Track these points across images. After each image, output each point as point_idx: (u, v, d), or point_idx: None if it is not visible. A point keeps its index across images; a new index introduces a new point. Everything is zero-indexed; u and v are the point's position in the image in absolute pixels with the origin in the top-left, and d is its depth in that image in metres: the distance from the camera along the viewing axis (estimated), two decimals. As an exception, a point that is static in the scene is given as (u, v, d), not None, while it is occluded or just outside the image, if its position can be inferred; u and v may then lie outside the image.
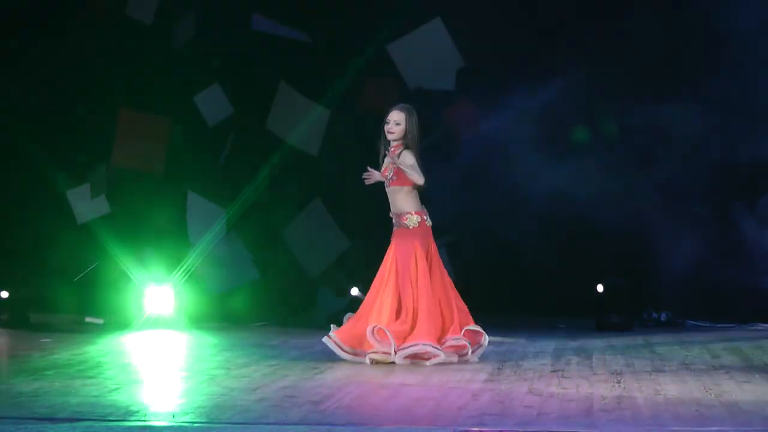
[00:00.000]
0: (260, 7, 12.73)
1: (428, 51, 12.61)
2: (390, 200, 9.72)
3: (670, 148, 12.52)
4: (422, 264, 9.58)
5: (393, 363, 9.30)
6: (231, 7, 12.81)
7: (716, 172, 12.45)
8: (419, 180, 9.52)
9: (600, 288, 12.46)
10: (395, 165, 9.59)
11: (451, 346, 9.43)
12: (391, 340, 9.28)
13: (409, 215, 9.65)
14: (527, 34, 12.55)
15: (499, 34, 12.47)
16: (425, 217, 9.67)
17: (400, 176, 9.61)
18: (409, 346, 9.30)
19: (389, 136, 9.66)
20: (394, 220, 9.73)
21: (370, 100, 12.65)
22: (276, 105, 12.72)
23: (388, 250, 9.70)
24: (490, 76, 12.52)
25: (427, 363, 9.27)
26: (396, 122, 9.62)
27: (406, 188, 9.63)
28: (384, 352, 9.33)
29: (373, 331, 9.36)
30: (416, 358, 9.32)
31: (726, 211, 12.49)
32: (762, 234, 12.25)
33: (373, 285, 9.69)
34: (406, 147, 9.60)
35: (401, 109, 9.67)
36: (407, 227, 9.65)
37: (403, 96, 12.59)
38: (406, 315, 9.45)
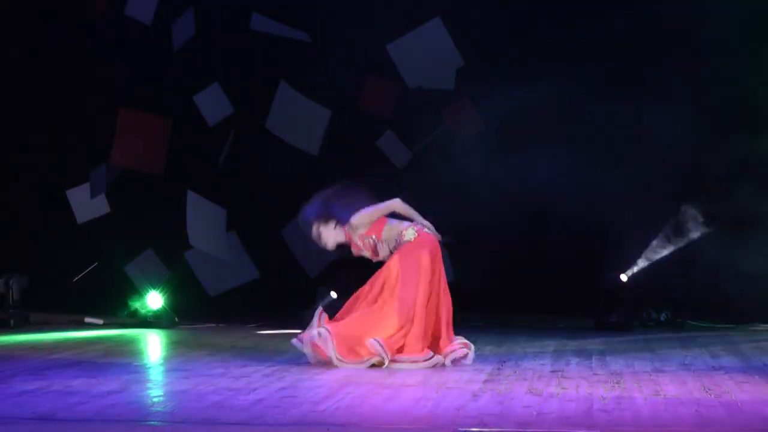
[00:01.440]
0: (260, 6, 12.73)
1: (428, 51, 12.60)
2: (382, 257, 9.52)
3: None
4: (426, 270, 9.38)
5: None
6: (231, 6, 12.81)
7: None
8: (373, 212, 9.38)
9: (624, 278, 12.48)
10: (360, 243, 9.49)
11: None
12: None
13: (404, 231, 9.42)
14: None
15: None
16: (418, 228, 9.41)
17: (370, 247, 9.50)
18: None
19: (330, 249, 9.59)
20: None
21: (371, 100, 12.65)
22: (276, 105, 12.71)
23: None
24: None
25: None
26: (320, 240, 9.49)
27: (383, 238, 9.45)
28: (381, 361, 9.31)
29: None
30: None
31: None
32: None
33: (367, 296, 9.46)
34: (344, 226, 9.44)
35: (306, 227, 9.52)
36: (410, 241, 9.43)
37: (403, 95, 12.66)
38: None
